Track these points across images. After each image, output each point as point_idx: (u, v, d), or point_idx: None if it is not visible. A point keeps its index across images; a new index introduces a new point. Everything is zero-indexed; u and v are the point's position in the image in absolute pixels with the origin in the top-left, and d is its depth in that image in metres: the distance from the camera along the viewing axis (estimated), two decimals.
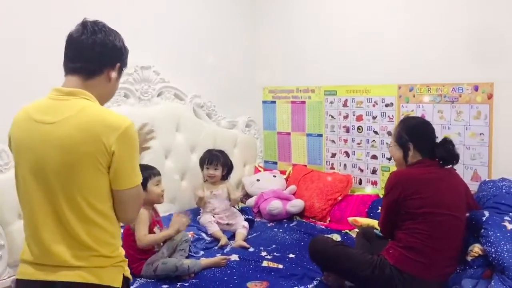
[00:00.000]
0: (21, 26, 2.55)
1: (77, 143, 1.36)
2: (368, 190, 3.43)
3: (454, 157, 2.31)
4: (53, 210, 1.39)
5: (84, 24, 1.49)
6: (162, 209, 3.04)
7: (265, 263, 2.64)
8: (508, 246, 2.10)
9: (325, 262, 2.36)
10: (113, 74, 1.51)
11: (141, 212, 2.45)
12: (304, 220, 3.39)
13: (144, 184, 2.50)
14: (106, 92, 1.54)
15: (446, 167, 2.33)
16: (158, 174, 2.61)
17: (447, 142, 2.33)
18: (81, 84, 1.46)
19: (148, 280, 2.45)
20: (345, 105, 3.49)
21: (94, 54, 1.46)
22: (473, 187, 2.87)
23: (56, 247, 1.39)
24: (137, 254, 2.48)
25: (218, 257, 2.65)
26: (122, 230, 1.61)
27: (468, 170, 2.96)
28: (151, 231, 2.48)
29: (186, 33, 3.45)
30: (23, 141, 1.43)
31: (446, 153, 2.31)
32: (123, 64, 1.57)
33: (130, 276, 1.55)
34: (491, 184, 2.64)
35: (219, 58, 3.69)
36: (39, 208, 1.40)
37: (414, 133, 2.37)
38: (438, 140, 2.37)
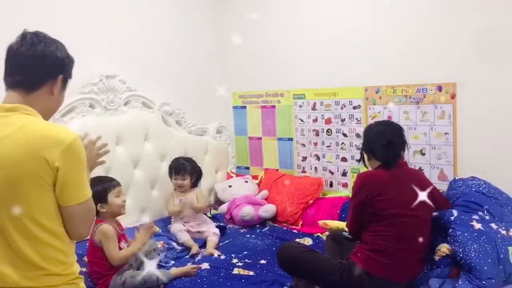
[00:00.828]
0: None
1: (19, 161, 1.32)
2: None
3: (395, 157, 2.32)
4: (0, 232, 1.35)
5: (24, 36, 1.44)
6: (133, 220, 3.01)
7: (236, 271, 2.62)
8: (475, 245, 2.12)
9: (294, 269, 2.36)
10: (56, 87, 1.46)
11: (107, 229, 2.41)
12: (277, 225, 3.39)
13: (105, 197, 2.48)
14: (50, 106, 1.48)
15: (411, 168, 2.37)
16: (118, 184, 2.57)
17: (387, 146, 2.32)
18: (22, 99, 1.41)
19: None
20: (314, 108, 3.51)
21: (33, 67, 1.42)
22: (441, 186, 2.90)
23: (4, 269, 1.35)
24: (103, 270, 2.43)
25: (188, 266, 2.63)
26: (75, 246, 1.55)
27: (435, 170, 3.00)
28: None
29: (151, 40, 3.42)
30: None
31: (388, 155, 2.32)
32: (67, 75, 1.51)
33: None
34: (461, 182, 2.66)
35: (187, 64, 3.68)
36: None
37: (366, 143, 2.42)
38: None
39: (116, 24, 3.19)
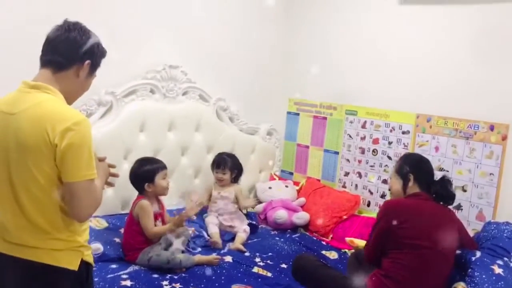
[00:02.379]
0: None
1: (28, 135, 1.46)
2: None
3: (449, 195, 2.35)
4: (13, 196, 1.51)
5: (63, 23, 1.60)
6: (173, 203, 3.19)
7: (255, 269, 2.72)
8: None
9: (306, 280, 2.43)
10: (83, 71, 1.60)
11: (145, 204, 2.63)
12: (308, 234, 3.45)
13: (152, 177, 2.69)
14: (74, 87, 1.62)
15: (442, 204, 2.36)
16: (165, 167, 2.77)
17: (444, 180, 2.37)
18: (50, 77, 1.55)
19: (141, 267, 2.59)
20: (363, 126, 3.53)
21: (64, 48, 1.56)
22: (477, 226, 2.86)
23: (16, 228, 1.51)
24: (136, 243, 2.63)
25: (212, 256, 2.77)
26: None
27: (474, 208, 2.94)
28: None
29: (217, 38, 3.57)
30: None
31: (442, 189, 2.35)
32: (95, 63, 1.64)
33: (91, 262, 1.64)
34: (494, 226, 2.62)
35: (248, 65, 3.80)
36: (3, 192, 1.52)
37: (415, 166, 2.43)
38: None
39: (186, 19, 3.36)
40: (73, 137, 1.45)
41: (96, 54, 1.64)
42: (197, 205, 2.78)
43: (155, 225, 2.67)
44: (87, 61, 1.61)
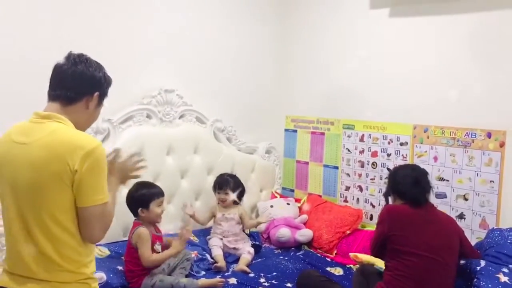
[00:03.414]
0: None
1: (44, 163, 1.47)
2: None
3: (416, 196, 2.36)
4: (24, 226, 1.52)
5: (68, 56, 1.63)
6: (173, 227, 3.17)
7: None
8: None
9: None
10: (92, 103, 1.63)
11: (143, 232, 2.60)
12: (312, 251, 3.42)
13: (148, 203, 2.67)
14: (84, 118, 1.64)
15: (442, 212, 2.38)
16: (162, 195, 2.75)
17: (413, 183, 2.38)
18: (60, 109, 1.58)
19: None
20: (361, 140, 3.54)
21: (73, 83, 1.59)
22: (481, 234, 2.85)
23: (29, 260, 1.51)
24: (139, 270, 2.61)
25: (216, 279, 2.75)
26: (94, 247, 1.69)
27: (477, 217, 2.93)
28: (152, 248, 2.60)
29: (212, 60, 3.60)
30: (3, 160, 1.55)
31: (412, 193, 2.37)
32: (103, 93, 1.67)
33: None
34: (498, 232, 2.62)
35: (244, 85, 3.82)
36: (14, 223, 1.53)
37: (391, 182, 2.51)
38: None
39: (179, 44, 3.40)
40: (93, 162, 1.48)
41: (103, 85, 1.67)
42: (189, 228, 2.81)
43: (155, 249, 2.64)
44: (96, 93, 1.64)
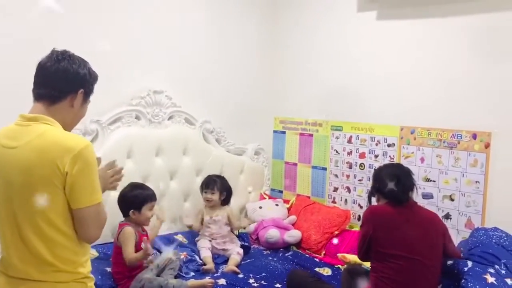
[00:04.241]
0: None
1: (34, 166, 1.46)
2: None
3: (401, 193, 2.37)
4: (17, 230, 1.50)
5: (52, 53, 1.60)
6: (164, 228, 3.16)
7: None
8: None
9: None
10: (76, 100, 1.60)
11: (127, 231, 2.59)
12: (300, 251, 3.44)
13: (140, 206, 2.66)
14: (70, 117, 1.62)
15: (425, 208, 2.41)
16: (155, 199, 2.76)
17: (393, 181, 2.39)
18: (45, 110, 1.55)
19: None
20: (349, 141, 3.57)
21: (56, 81, 1.56)
22: (466, 234, 2.88)
23: (21, 262, 1.51)
24: (126, 271, 2.60)
25: (206, 280, 2.75)
26: (89, 247, 1.69)
27: (463, 217, 2.97)
28: (138, 246, 2.59)
29: (200, 61, 3.61)
30: None
31: (393, 191, 2.37)
32: (88, 90, 1.64)
33: None
34: (483, 232, 2.65)
35: (232, 86, 3.84)
36: (6, 227, 1.52)
37: (374, 183, 2.52)
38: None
39: (168, 45, 3.41)
40: (83, 163, 1.47)
41: (88, 81, 1.64)
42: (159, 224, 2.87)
43: (142, 247, 2.61)
44: (80, 90, 1.61)
